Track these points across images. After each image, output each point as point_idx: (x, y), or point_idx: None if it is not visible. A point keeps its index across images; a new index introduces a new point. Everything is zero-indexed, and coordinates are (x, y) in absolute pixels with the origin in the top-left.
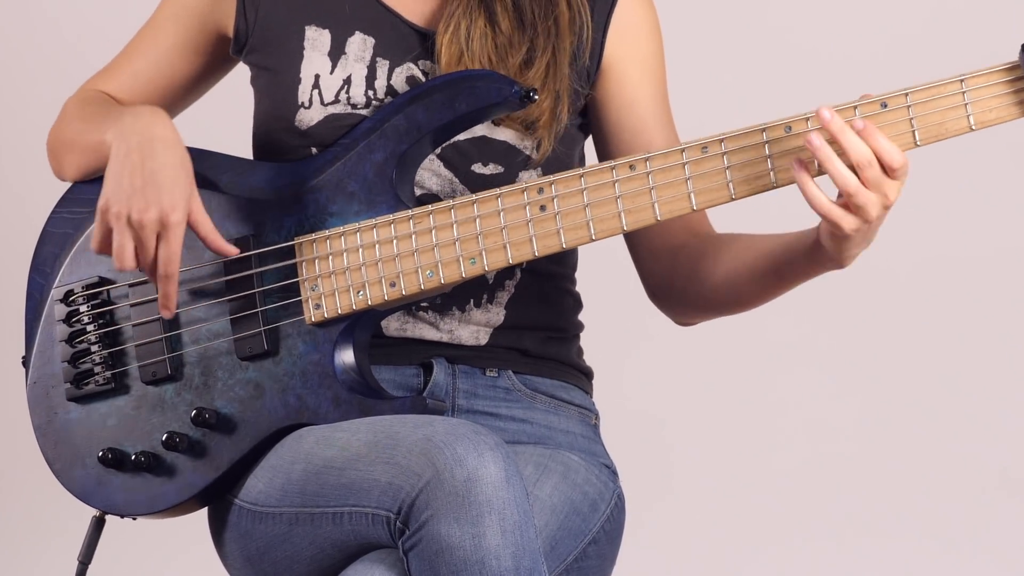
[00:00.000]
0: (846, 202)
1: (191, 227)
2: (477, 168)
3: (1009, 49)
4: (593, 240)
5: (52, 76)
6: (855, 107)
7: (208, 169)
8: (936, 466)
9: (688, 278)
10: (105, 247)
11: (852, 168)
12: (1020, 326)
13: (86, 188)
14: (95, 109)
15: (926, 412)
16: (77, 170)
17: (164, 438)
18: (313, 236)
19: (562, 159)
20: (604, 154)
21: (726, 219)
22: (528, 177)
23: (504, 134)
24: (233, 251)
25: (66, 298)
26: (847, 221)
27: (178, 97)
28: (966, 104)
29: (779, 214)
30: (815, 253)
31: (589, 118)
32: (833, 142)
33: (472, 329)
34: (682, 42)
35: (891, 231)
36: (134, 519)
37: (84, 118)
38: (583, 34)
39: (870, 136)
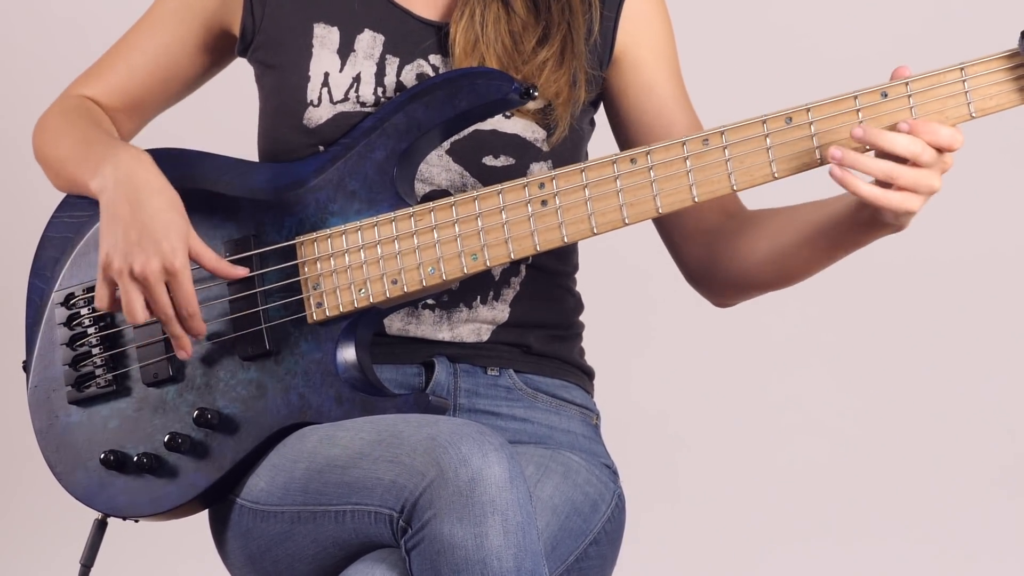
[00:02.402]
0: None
1: (195, 261)
2: (488, 160)
3: (1010, 43)
4: (595, 234)
5: (52, 82)
6: (855, 96)
7: (208, 171)
8: (937, 466)
9: (730, 258)
10: (110, 304)
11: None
12: (1020, 326)
13: None
14: (75, 136)
15: (929, 411)
16: (69, 192)
17: (166, 439)
18: (314, 235)
19: (571, 154)
20: (625, 142)
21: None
22: (539, 169)
23: (515, 126)
24: (242, 272)
25: (67, 301)
26: (911, 201)
27: (174, 92)
28: (966, 92)
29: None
30: (872, 219)
31: (605, 108)
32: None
33: (474, 327)
34: (685, 40)
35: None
36: (136, 521)
37: (64, 146)
38: (593, 13)
39: (915, 130)
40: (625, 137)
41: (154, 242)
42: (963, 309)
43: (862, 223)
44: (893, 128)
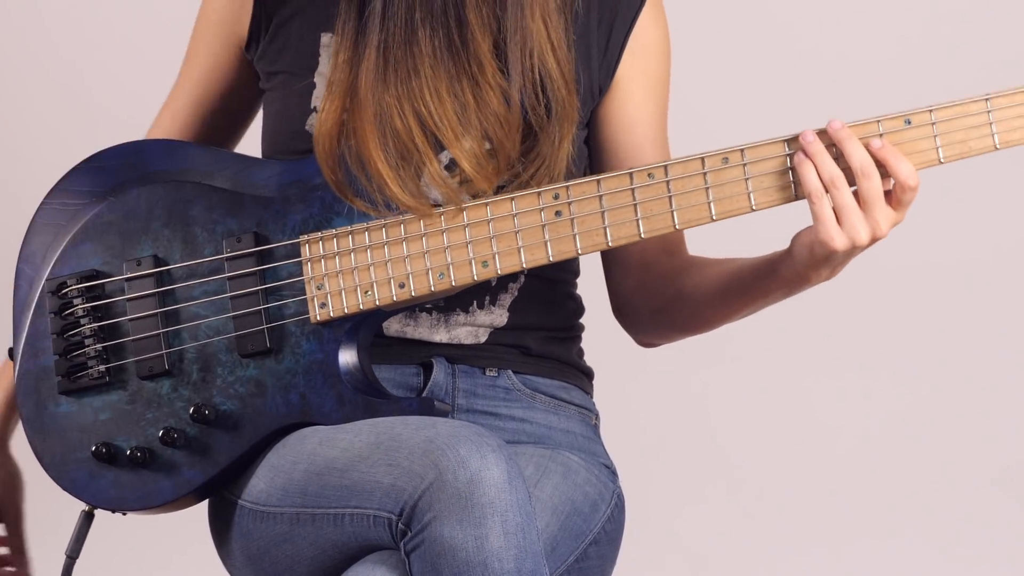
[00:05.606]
0: (838, 216)
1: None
2: None
3: (1018, 52)
4: (609, 247)
5: (46, 79)
6: (878, 121)
7: (209, 163)
8: (937, 466)
9: (654, 294)
10: None
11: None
12: (1019, 326)
13: (79, 180)
14: None
15: (928, 411)
16: None
17: (161, 434)
18: (320, 235)
19: (572, 174)
20: (596, 167)
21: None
22: None
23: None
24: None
25: (58, 290)
26: (836, 235)
27: (222, 124)
28: (991, 123)
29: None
30: (779, 264)
31: (588, 131)
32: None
33: (471, 329)
34: (686, 42)
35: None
36: (124, 514)
37: None
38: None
39: (883, 152)
40: (596, 162)
41: None
42: (963, 309)
43: (772, 266)
44: (865, 141)
